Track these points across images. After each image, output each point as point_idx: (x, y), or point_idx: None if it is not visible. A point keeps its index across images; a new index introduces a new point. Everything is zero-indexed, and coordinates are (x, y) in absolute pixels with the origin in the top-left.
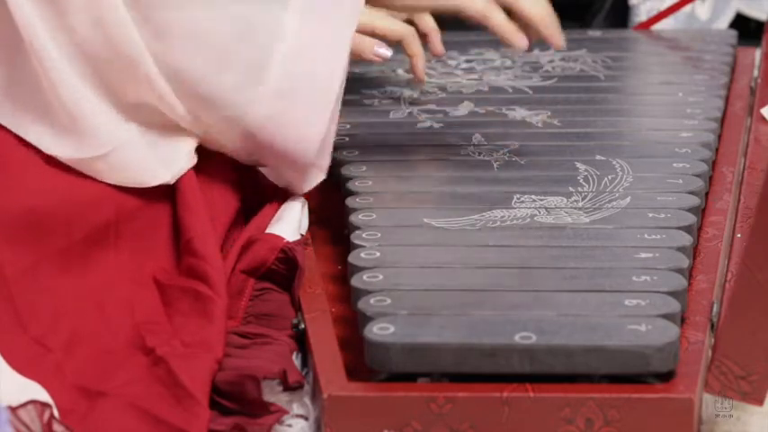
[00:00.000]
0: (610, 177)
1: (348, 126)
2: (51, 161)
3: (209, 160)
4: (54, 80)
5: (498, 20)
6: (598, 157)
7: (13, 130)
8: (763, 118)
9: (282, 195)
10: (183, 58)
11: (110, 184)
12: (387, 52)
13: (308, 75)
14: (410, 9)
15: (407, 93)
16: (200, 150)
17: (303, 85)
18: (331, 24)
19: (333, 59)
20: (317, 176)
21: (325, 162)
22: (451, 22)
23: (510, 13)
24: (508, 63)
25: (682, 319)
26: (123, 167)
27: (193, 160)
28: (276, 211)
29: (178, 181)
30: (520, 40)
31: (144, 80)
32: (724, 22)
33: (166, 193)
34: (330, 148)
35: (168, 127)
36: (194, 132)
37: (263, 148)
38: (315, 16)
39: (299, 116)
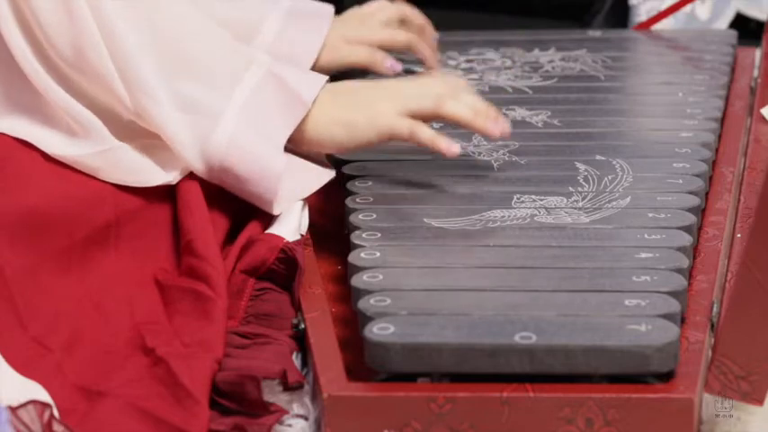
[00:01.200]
0: (610, 177)
1: None
2: (52, 162)
3: None
4: (50, 96)
5: (425, 135)
6: (598, 157)
7: (14, 132)
8: (763, 118)
9: None
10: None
11: (110, 185)
12: (398, 66)
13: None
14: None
15: None
16: None
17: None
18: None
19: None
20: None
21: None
22: (452, 23)
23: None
24: (508, 63)
25: (682, 319)
26: (123, 166)
27: None
28: None
29: (179, 182)
30: (448, 147)
31: (119, 101)
32: (724, 22)
33: (167, 194)
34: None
35: None
36: None
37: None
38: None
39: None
